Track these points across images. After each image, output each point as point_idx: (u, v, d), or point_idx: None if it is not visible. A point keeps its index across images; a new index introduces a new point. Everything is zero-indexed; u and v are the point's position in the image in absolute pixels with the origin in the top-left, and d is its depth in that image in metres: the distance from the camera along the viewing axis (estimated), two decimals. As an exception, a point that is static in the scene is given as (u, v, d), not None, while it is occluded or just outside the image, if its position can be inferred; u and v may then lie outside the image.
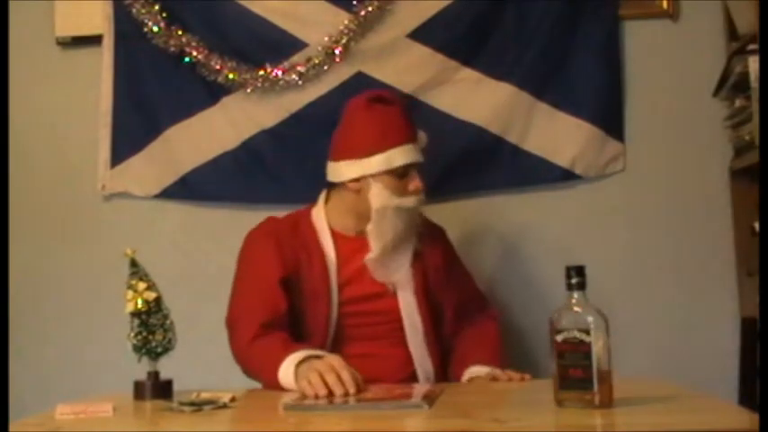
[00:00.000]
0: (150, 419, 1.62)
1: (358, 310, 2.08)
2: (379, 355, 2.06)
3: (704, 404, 1.49)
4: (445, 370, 2.12)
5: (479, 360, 2.04)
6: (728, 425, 1.32)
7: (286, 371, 1.78)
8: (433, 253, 2.16)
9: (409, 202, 2.08)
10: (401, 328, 2.10)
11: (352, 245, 2.10)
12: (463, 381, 2.02)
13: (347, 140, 2.10)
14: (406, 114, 2.12)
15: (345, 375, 1.67)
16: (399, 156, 2.06)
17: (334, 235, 2.11)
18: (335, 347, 2.02)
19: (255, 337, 1.93)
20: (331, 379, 1.66)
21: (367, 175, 2.06)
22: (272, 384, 1.81)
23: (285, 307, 2.01)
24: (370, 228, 2.08)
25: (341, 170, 2.09)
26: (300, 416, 1.51)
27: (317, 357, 1.76)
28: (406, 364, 2.09)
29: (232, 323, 2.03)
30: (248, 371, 1.97)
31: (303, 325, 2.05)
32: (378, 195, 2.07)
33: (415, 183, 2.09)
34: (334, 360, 1.72)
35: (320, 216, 2.13)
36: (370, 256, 2.08)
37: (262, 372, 1.89)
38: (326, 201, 2.15)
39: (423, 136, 2.13)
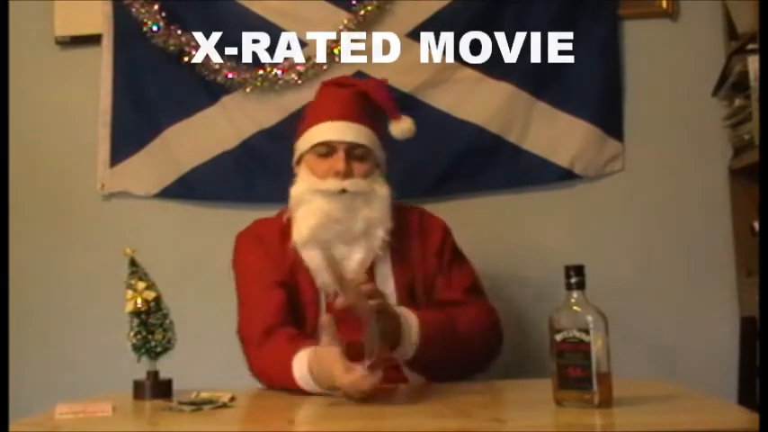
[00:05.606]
0: (150, 419, 1.62)
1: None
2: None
3: (704, 404, 1.49)
4: None
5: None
6: (728, 424, 1.32)
7: (305, 380, 1.67)
8: (427, 241, 2.00)
9: (327, 184, 1.88)
10: None
11: None
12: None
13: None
14: (357, 98, 1.94)
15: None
16: (321, 132, 1.91)
17: None
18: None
19: (260, 346, 1.82)
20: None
21: (299, 156, 1.96)
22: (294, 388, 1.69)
23: (286, 304, 1.88)
24: (288, 216, 1.93)
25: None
26: (300, 416, 1.51)
27: None
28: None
29: (241, 336, 1.91)
30: (266, 381, 1.82)
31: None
32: (299, 179, 1.94)
33: (337, 164, 1.87)
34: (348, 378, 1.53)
35: None
36: (293, 243, 1.88)
37: (281, 381, 1.73)
38: None
39: (402, 124, 1.98)
